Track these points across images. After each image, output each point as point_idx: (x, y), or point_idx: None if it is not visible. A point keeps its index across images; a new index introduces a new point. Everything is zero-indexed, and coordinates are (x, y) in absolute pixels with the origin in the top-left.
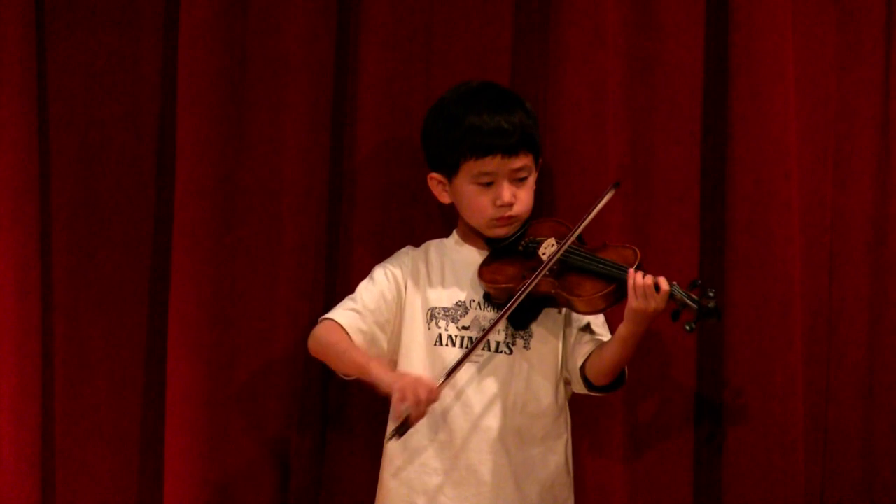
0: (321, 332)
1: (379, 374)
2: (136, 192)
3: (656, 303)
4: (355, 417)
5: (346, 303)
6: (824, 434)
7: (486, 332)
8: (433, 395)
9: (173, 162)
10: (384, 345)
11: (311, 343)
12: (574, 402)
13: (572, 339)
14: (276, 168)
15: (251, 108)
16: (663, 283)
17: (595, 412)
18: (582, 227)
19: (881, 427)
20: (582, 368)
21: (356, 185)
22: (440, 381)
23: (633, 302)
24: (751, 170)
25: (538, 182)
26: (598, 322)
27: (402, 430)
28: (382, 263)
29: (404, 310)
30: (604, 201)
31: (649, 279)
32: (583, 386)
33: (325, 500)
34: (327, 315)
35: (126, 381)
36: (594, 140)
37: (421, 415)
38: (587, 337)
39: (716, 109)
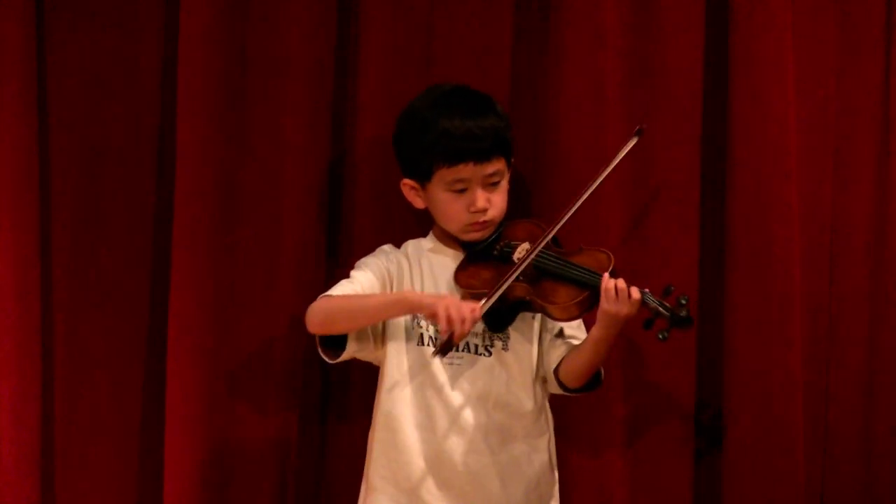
0: (323, 303)
1: (416, 296)
2: (136, 192)
3: (627, 308)
4: (356, 417)
5: (343, 284)
6: (824, 434)
7: (507, 278)
8: (476, 315)
9: (173, 162)
10: (371, 336)
11: (315, 315)
12: (573, 402)
13: (547, 341)
14: (276, 168)
15: (251, 108)
16: (634, 291)
17: (595, 412)
18: (557, 229)
19: (881, 427)
20: (556, 371)
21: (356, 185)
22: (482, 303)
23: (604, 305)
24: (751, 170)
25: (535, 183)
26: (573, 324)
27: (445, 348)
28: (368, 258)
29: None
30: (621, 156)
31: (622, 283)
32: (557, 387)
33: (325, 499)
34: (324, 295)
35: (126, 381)
36: (594, 140)
37: (464, 333)
38: (561, 339)
39: (716, 109)
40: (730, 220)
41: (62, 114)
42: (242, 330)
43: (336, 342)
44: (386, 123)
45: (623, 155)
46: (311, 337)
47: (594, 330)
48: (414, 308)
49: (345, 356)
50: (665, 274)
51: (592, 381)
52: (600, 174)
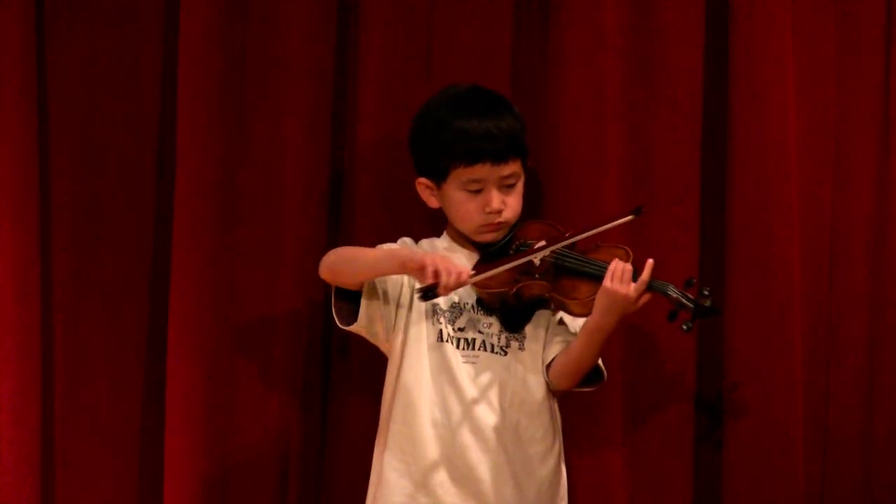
0: (337, 249)
1: (406, 250)
2: (136, 192)
3: (627, 290)
4: (356, 417)
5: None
6: (824, 434)
7: (513, 260)
8: (463, 277)
9: (173, 162)
10: (382, 314)
11: (327, 258)
12: (573, 400)
13: (550, 333)
14: (276, 168)
15: (251, 108)
16: (646, 272)
17: (594, 411)
18: (581, 238)
19: (881, 427)
20: (548, 367)
21: (356, 185)
22: (476, 273)
23: (606, 282)
24: (751, 170)
25: (535, 183)
26: (577, 324)
27: (428, 293)
28: (390, 243)
29: (414, 292)
30: (618, 222)
31: (629, 266)
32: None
33: (325, 499)
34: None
35: (126, 381)
36: (594, 140)
37: (448, 285)
38: (560, 337)
39: (716, 109)
40: (730, 220)
41: (62, 114)
42: (242, 330)
43: (350, 310)
44: (386, 124)
45: (617, 223)
46: (312, 335)
47: (590, 319)
48: (405, 261)
49: (356, 326)
50: (665, 273)
51: (585, 381)
52: (595, 228)
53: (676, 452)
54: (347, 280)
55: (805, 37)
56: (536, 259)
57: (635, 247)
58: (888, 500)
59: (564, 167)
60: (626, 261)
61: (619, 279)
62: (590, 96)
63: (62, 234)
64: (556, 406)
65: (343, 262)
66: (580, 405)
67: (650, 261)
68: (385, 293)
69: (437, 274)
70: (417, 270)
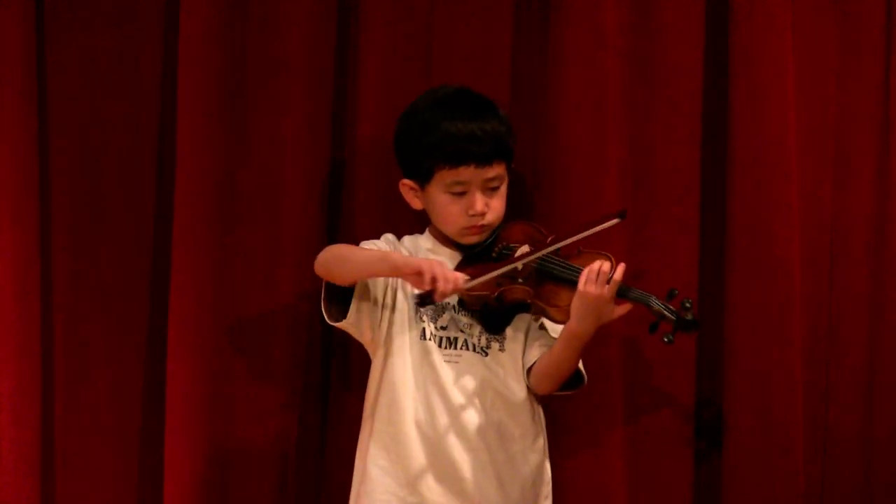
0: (332, 247)
1: (400, 256)
2: (136, 192)
3: (601, 291)
4: (356, 417)
5: (363, 243)
6: (824, 434)
7: (504, 265)
8: (459, 283)
9: (173, 162)
10: (370, 314)
11: (322, 255)
12: (574, 400)
13: (530, 338)
14: (276, 168)
15: (251, 108)
16: (618, 273)
17: (595, 412)
18: (565, 243)
19: (881, 427)
20: (529, 372)
21: (356, 185)
22: (471, 278)
23: (580, 286)
24: (751, 170)
25: (534, 183)
26: (558, 327)
27: (425, 300)
28: (375, 240)
29: (397, 292)
30: (601, 227)
31: (605, 266)
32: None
33: (325, 499)
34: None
35: (126, 381)
36: (594, 140)
37: (445, 292)
38: (540, 342)
39: (716, 109)
40: (730, 220)
41: (62, 114)
42: (242, 330)
43: (340, 306)
44: (386, 124)
45: (602, 227)
46: (312, 335)
47: (567, 325)
48: (398, 266)
49: (345, 323)
50: (665, 274)
51: (566, 385)
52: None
53: (676, 452)
54: (339, 279)
55: (805, 37)
56: (520, 264)
57: (634, 247)
58: (888, 500)
59: (564, 167)
60: (610, 269)
61: (593, 281)
62: (590, 96)
63: (62, 234)
64: (538, 404)
65: (336, 261)
66: (580, 405)
67: (622, 264)
68: (373, 292)
69: (434, 280)
70: (413, 276)
